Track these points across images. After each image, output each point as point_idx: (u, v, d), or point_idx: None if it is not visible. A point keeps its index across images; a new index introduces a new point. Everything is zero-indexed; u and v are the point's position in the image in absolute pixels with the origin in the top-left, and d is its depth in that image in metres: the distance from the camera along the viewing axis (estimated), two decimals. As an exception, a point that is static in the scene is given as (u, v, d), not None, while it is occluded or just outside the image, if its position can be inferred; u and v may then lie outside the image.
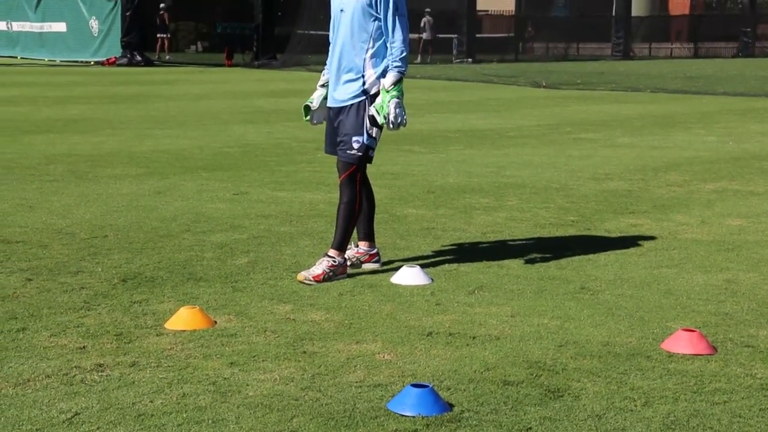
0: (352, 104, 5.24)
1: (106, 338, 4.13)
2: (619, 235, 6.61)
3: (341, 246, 5.27)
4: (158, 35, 35.46)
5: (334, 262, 5.21)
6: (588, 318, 4.61)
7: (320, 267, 5.17)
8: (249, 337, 4.20)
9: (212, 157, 10.13)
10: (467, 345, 4.16)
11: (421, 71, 30.62)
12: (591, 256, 5.94)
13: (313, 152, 10.65)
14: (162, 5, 35.11)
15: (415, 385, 3.43)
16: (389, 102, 5.10)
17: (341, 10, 5.25)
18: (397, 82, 5.14)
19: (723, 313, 4.75)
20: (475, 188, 8.45)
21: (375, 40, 5.18)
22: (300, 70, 30.11)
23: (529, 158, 10.57)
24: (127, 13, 31.38)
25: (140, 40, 31.82)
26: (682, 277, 5.45)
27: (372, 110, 5.17)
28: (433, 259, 5.74)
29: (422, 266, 5.33)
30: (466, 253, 5.98)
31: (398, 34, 5.14)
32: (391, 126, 5.14)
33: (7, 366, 3.76)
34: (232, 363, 3.86)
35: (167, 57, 35.14)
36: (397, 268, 5.32)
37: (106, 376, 3.69)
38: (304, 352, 4.01)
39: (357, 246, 5.53)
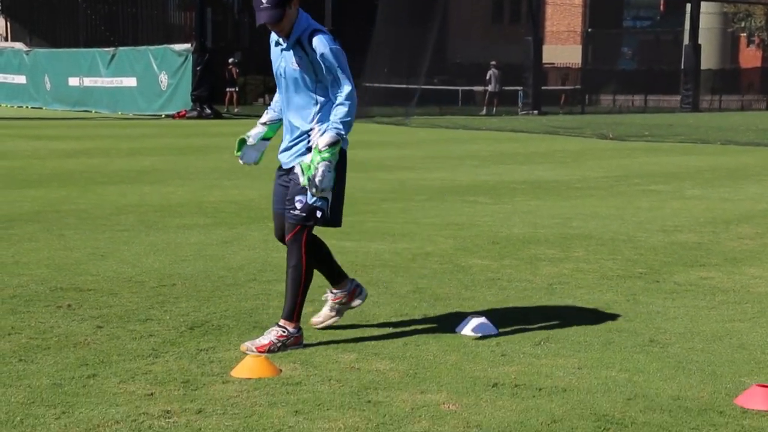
0: (298, 163, 4.87)
1: (173, 385, 4.18)
2: (689, 287, 6.49)
3: (291, 315, 4.85)
4: (227, 89, 36.21)
5: (284, 332, 4.81)
6: (657, 371, 4.51)
7: (267, 337, 4.79)
8: (314, 386, 4.20)
9: (279, 207, 10.24)
10: (533, 397, 4.10)
11: (486, 123, 30.70)
12: (660, 308, 5.84)
13: (378, 202, 10.71)
14: (231, 60, 35.89)
15: (480, 437, 3.39)
16: (319, 163, 4.67)
17: (284, 71, 4.89)
18: (333, 144, 4.72)
19: (799, 368, 4.61)
20: (540, 239, 8.39)
21: (322, 104, 4.85)
22: (365, 121, 30.42)
23: (596, 210, 10.47)
24: (197, 68, 32.14)
25: (209, 94, 32.51)
26: (755, 332, 5.31)
27: (297, 167, 4.80)
28: (498, 310, 5.70)
29: (487, 317, 5.29)
30: (531, 303, 5.93)
31: (342, 96, 4.77)
32: (313, 189, 4.68)
33: (78, 411, 3.82)
34: (296, 411, 3.87)
35: (236, 110, 35.80)
36: (462, 319, 5.29)
37: (173, 422, 3.72)
38: (369, 402, 4.00)
39: (333, 292, 5.23)
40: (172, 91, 33.01)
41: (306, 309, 5.57)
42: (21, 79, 39.34)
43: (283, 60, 4.89)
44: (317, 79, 4.83)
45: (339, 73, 4.78)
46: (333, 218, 4.93)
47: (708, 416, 3.90)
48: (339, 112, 4.78)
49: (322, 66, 4.78)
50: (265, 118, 5.20)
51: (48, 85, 37.98)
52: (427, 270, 6.91)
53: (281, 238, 5.06)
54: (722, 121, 34.53)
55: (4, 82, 40.08)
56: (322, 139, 4.73)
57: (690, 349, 4.91)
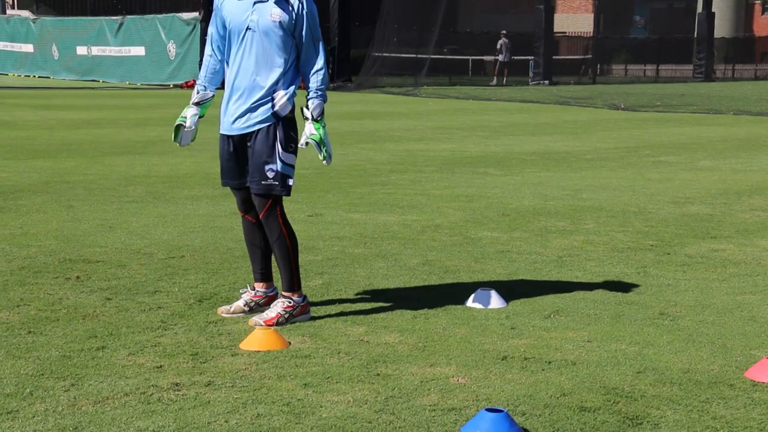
0: (260, 129, 4.73)
1: (182, 358, 4.18)
2: (700, 260, 6.45)
3: (291, 286, 4.79)
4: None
5: (289, 302, 4.77)
6: (667, 344, 4.49)
7: (274, 310, 4.76)
8: (323, 359, 4.20)
9: (288, 178, 10.21)
10: (543, 370, 4.09)
11: (497, 93, 30.55)
12: (670, 281, 5.81)
13: (387, 174, 10.68)
14: (240, 29, 35.73)
15: (489, 410, 3.38)
16: (324, 134, 4.74)
17: (248, 29, 4.69)
18: (323, 112, 4.78)
19: (810, 341, 4.59)
20: (551, 211, 8.35)
21: (289, 63, 4.72)
22: (374, 91, 30.30)
23: (607, 181, 10.42)
24: (206, 37, 31.97)
25: (218, 63, 32.36)
26: (766, 304, 5.28)
27: (306, 141, 4.71)
28: (508, 283, 5.68)
29: (497, 289, 5.27)
30: (541, 276, 5.90)
31: (322, 61, 4.74)
32: (328, 160, 4.77)
33: (87, 384, 3.83)
34: (305, 384, 3.86)
35: (244, 80, 35.66)
36: (471, 291, 5.27)
37: (183, 395, 3.72)
38: (378, 375, 3.99)
39: (254, 289, 4.98)
40: (181, 61, 32.89)
41: (315, 281, 5.57)
42: (28, 48, 39.24)
43: (255, 13, 4.69)
44: (292, 38, 4.70)
45: (319, 33, 4.78)
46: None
47: (718, 389, 3.88)
48: (320, 78, 4.76)
49: (304, 24, 4.69)
50: (196, 97, 4.97)
51: (56, 54, 37.88)
52: (436, 242, 6.89)
53: (245, 209, 4.94)
54: (735, 90, 34.28)
55: (12, 51, 39.99)
56: (315, 109, 4.74)
57: (700, 322, 4.89)
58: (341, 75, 32.86)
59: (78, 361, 4.10)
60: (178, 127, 4.97)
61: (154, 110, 21.04)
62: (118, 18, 35.37)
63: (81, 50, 36.56)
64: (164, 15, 34.01)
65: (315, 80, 4.75)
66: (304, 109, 4.76)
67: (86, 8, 40.44)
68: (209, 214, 7.86)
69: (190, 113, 4.96)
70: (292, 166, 4.79)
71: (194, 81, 31.14)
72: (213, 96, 5.02)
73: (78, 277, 5.61)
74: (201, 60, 32.39)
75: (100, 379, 3.88)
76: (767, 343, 4.56)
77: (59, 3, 43.02)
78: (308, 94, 4.77)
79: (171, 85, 32.49)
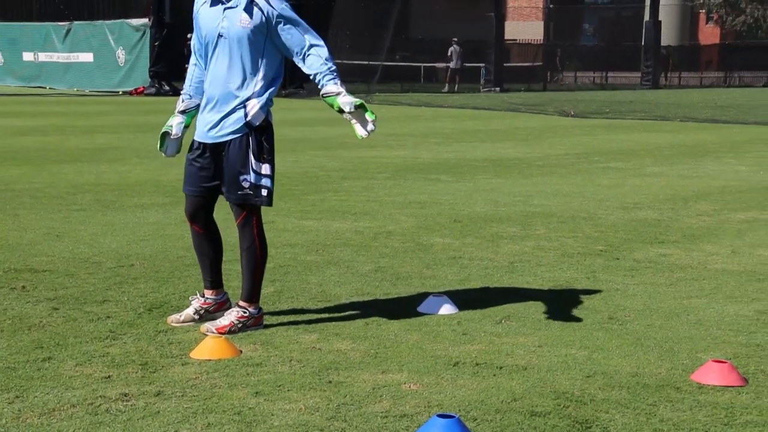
0: (232, 139, 4.66)
1: (131, 368, 4.12)
2: (648, 264, 6.54)
3: (251, 296, 4.76)
4: (186, 65, 35.81)
5: (244, 313, 4.72)
6: (616, 348, 4.54)
7: (228, 318, 4.71)
8: (274, 367, 4.17)
9: (239, 185, 10.15)
10: (494, 375, 4.11)
11: (448, 100, 30.69)
12: (619, 285, 5.88)
13: (339, 181, 10.67)
14: (189, 35, 35.54)
15: (441, 416, 3.38)
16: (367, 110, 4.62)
17: (220, 35, 4.62)
18: (347, 93, 4.68)
19: (754, 344, 4.67)
20: (502, 217, 8.41)
21: (262, 70, 4.66)
22: (327, 99, 30.24)
23: (557, 187, 10.52)
24: (156, 44, 31.72)
25: (168, 70, 32.13)
26: (712, 308, 5.37)
27: (367, 117, 4.60)
28: (459, 289, 5.70)
29: (449, 295, 5.29)
30: (493, 282, 5.94)
31: (324, 47, 4.64)
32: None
33: (32, 395, 3.76)
34: (257, 392, 3.84)
35: (195, 87, 35.40)
36: (423, 297, 5.29)
37: (131, 405, 3.68)
38: (330, 382, 3.98)
39: (203, 296, 4.92)
40: (130, 67, 32.61)
41: (267, 289, 5.54)
42: (-28, 54, 38.59)
43: (225, 19, 4.61)
44: (267, 41, 4.63)
45: (305, 23, 4.68)
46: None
47: (665, 392, 3.93)
48: (329, 61, 4.64)
49: (282, 23, 4.61)
50: (181, 106, 4.90)
51: (0, 60, 37.30)
52: (388, 249, 6.90)
53: (193, 217, 4.86)
54: (682, 97, 34.85)
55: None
56: (345, 99, 4.59)
57: (648, 326, 4.95)
58: (294, 82, 32.76)
59: (23, 372, 4.03)
60: (164, 136, 4.89)
61: (103, 117, 20.79)
62: (66, 24, 34.94)
63: (27, 56, 36.05)
64: (113, 21, 33.69)
65: (328, 66, 4.62)
66: (329, 87, 4.61)
67: (32, 13, 39.85)
68: (159, 222, 7.78)
69: (175, 121, 4.88)
70: (268, 176, 4.72)
71: (144, 88, 30.76)
72: (198, 104, 4.92)
73: (24, 287, 5.51)
74: (150, 66, 32.28)
75: (46, 390, 3.81)
76: (713, 346, 4.63)
77: (3, 8, 42.32)
78: (318, 79, 4.65)
79: (120, 92, 32.16)
